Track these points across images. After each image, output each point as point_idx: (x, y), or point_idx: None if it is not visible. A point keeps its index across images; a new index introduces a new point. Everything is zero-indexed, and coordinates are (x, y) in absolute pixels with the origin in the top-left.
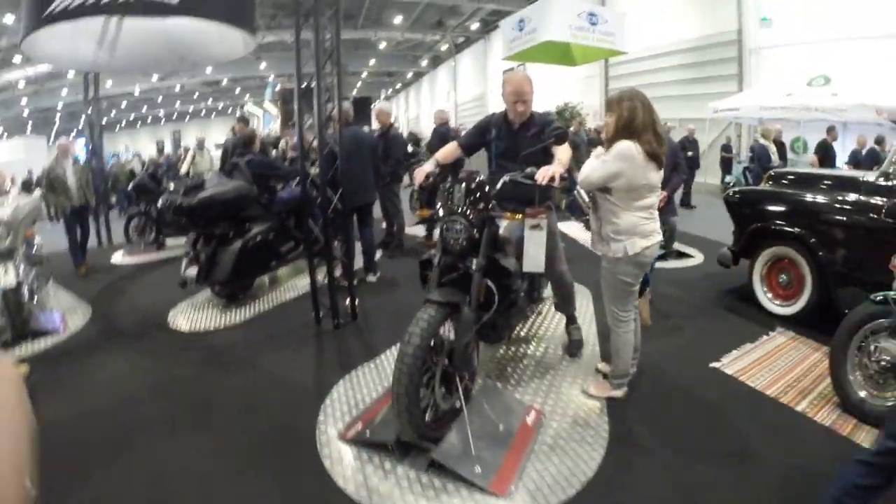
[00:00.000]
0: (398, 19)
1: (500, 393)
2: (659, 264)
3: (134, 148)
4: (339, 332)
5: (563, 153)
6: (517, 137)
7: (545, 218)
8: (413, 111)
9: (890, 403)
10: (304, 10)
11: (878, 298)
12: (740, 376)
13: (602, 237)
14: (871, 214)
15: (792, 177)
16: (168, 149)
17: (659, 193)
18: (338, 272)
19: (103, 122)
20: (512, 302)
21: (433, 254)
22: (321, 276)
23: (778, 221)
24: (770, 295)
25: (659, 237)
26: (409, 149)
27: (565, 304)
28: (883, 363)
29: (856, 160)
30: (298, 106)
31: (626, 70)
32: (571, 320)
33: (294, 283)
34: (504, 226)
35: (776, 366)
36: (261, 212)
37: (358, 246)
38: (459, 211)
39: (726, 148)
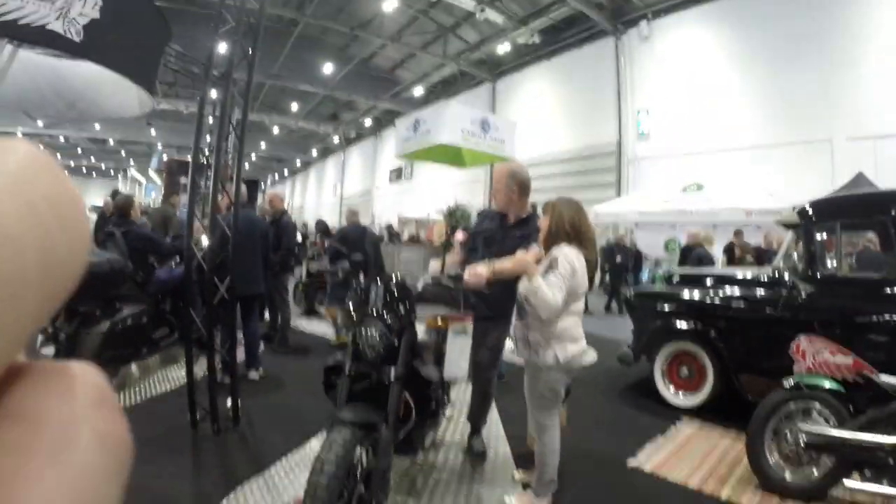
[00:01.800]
0: (294, 107)
1: None
2: None
3: None
4: (219, 437)
5: (525, 256)
6: (505, 233)
7: (470, 323)
8: (298, 200)
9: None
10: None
11: (791, 384)
12: (659, 471)
13: (529, 344)
14: (768, 308)
15: (683, 275)
16: None
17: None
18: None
19: None
20: (432, 413)
21: (340, 359)
22: (199, 371)
23: (678, 319)
24: (672, 388)
25: (584, 341)
26: (299, 238)
27: (479, 413)
28: (803, 443)
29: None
30: (192, 180)
31: None
32: (476, 430)
33: (166, 374)
34: (422, 330)
35: (691, 456)
36: (135, 291)
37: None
38: (377, 314)
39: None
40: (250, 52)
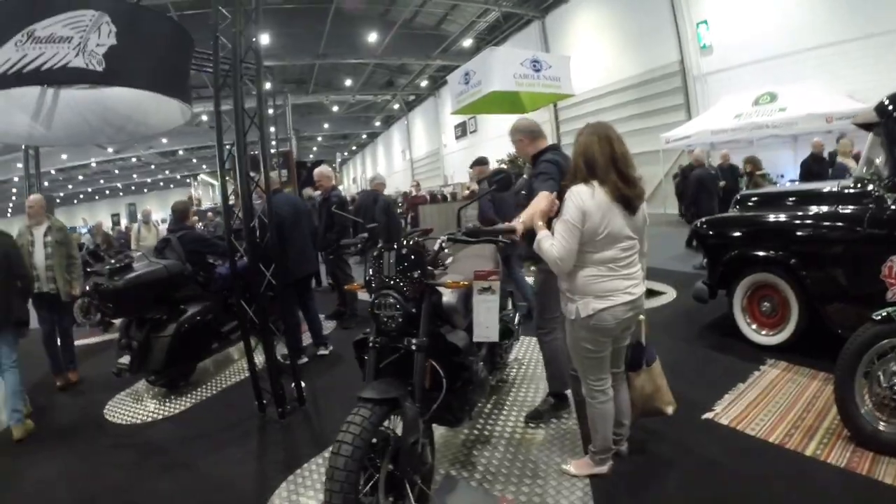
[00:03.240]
0: (348, 82)
1: (465, 489)
2: None
3: (93, 221)
4: (284, 420)
5: (536, 203)
6: (532, 179)
7: (497, 279)
8: (370, 171)
9: None
10: (222, 77)
11: (881, 316)
12: (738, 425)
13: (561, 293)
14: (853, 226)
15: (758, 198)
16: (124, 222)
17: (632, 244)
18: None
19: (60, 195)
20: (467, 380)
21: (368, 332)
22: (260, 358)
23: (753, 247)
24: (755, 326)
25: (626, 298)
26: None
27: (551, 373)
28: None
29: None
30: (222, 179)
31: (574, 112)
32: (559, 399)
33: (241, 366)
34: (448, 293)
35: (774, 406)
36: (197, 291)
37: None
38: (391, 283)
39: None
40: (255, 40)
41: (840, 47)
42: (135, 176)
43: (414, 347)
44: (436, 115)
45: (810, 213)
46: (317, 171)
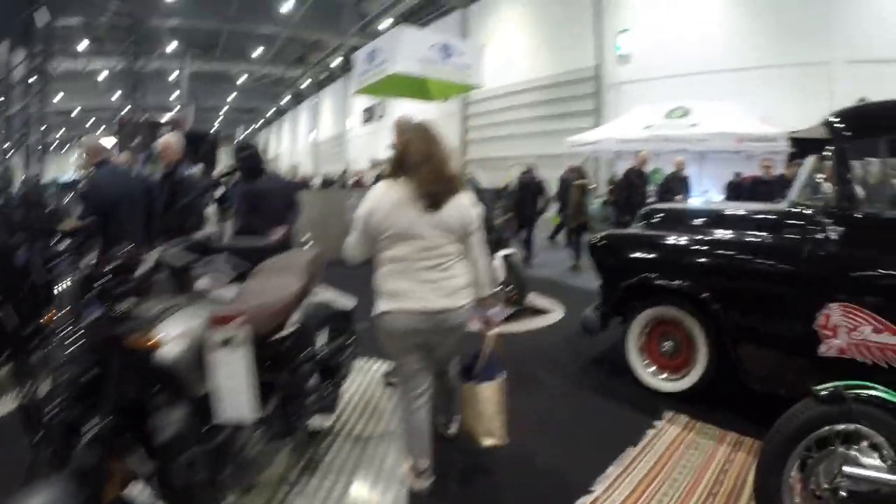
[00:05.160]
0: (258, 51)
1: None
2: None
3: None
4: None
5: None
6: None
7: (245, 326)
8: (272, 150)
9: None
10: None
11: (826, 393)
12: None
13: None
14: (786, 261)
15: (668, 213)
16: None
17: (430, 245)
18: None
19: None
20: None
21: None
22: None
23: (657, 274)
24: (652, 368)
25: (417, 305)
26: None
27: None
28: (845, 491)
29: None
30: None
31: (485, 108)
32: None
33: None
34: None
35: (672, 486)
36: None
37: None
38: (63, 330)
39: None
40: None
41: (758, 72)
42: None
43: (90, 435)
44: (344, 97)
45: (732, 239)
46: (161, 140)
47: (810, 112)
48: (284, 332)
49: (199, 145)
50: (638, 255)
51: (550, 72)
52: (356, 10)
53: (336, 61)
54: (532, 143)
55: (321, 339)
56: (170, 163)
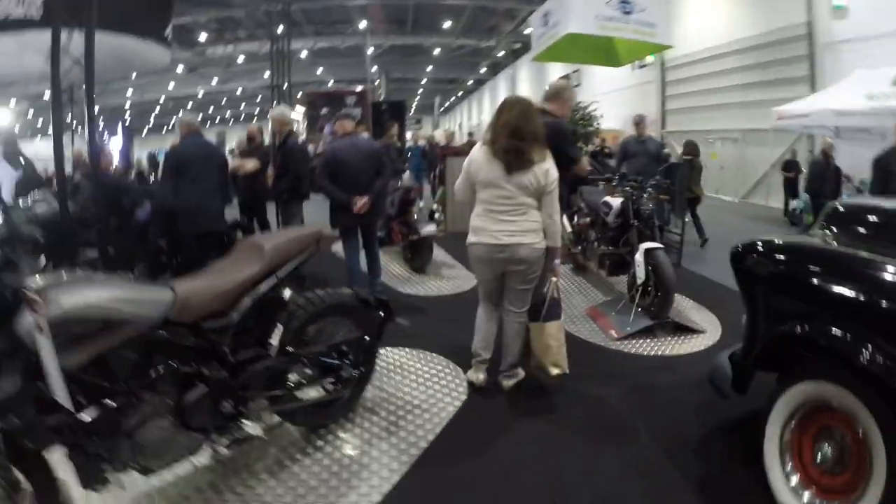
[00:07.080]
0: (447, 24)
1: None
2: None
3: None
4: None
5: None
6: None
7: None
8: (475, 119)
9: None
10: None
11: None
12: None
13: None
14: None
15: (877, 218)
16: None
17: (506, 194)
18: None
19: (169, 126)
20: None
21: None
22: None
23: (829, 327)
24: (798, 481)
25: (491, 240)
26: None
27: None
28: None
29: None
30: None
31: (683, 74)
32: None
33: None
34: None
35: None
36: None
37: None
38: None
39: (788, 165)
40: None
41: None
42: (243, 106)
43: None
44: (540, 66)
45: None
46: (273, 112)
47: None
48: (222, 321)
49: (380, 114)
50: (804, 287)
51: (753, 32)
52: None
53: (528, 30)
54: (735, 115)
55: (278, 334)
56: (281, 133)
